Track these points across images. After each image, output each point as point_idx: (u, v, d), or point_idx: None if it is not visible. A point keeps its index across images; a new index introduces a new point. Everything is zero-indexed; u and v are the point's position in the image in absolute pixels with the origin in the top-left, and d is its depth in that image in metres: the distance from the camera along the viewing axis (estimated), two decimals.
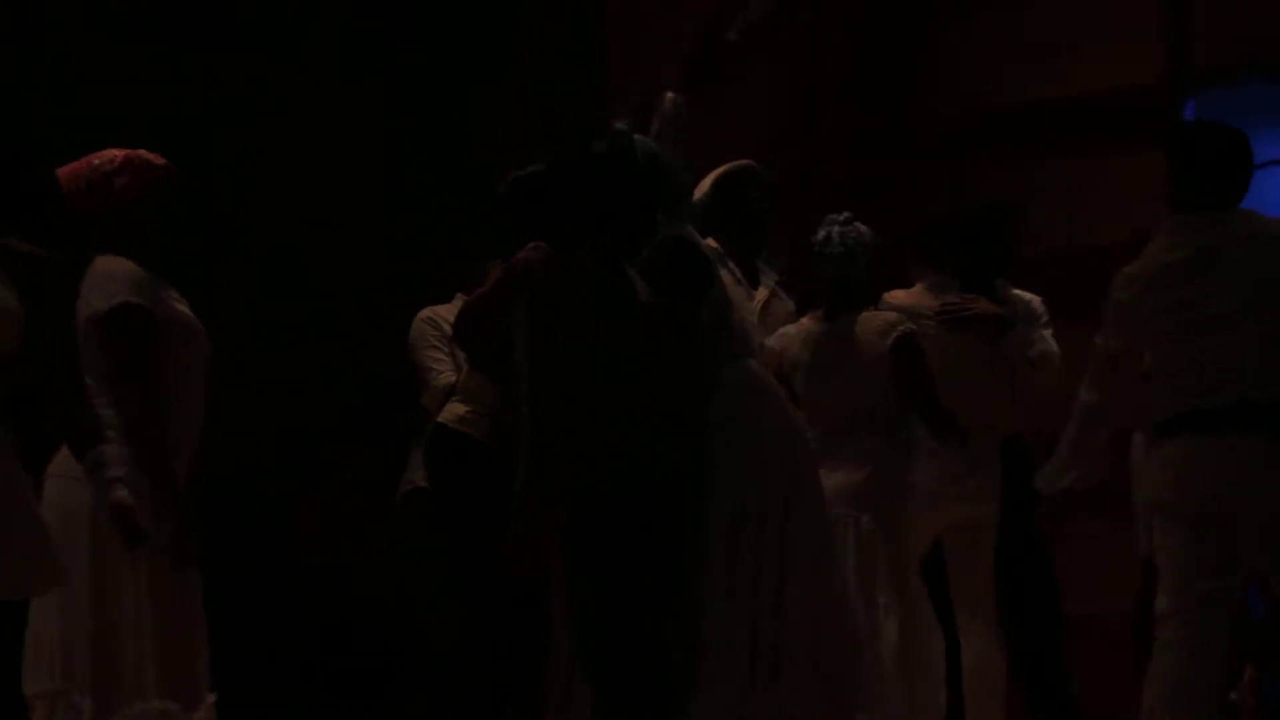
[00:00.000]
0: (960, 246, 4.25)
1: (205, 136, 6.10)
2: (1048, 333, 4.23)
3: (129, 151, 3.19)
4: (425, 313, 3.82)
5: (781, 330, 4.10)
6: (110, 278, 3.05)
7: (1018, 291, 4.32)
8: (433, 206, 6.15)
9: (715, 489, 3.32)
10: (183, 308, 3.25)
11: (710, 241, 3.57)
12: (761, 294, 3.88)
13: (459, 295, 3.78)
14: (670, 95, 3.68)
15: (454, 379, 3.59)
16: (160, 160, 3.24)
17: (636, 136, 3.37)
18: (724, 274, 3.53)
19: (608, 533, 3.10)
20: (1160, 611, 3.30)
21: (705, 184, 3.86)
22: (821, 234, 4.02)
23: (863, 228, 4.00)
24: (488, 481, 3.33)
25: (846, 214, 4.05)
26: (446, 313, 3.76)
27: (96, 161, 3.13)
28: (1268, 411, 3.22)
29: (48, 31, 6.17)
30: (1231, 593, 3.28)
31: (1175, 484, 3.30)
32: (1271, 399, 3.20)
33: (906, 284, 4.30)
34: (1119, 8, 5.88)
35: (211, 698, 3.26)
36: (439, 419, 3.58)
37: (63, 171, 3.06)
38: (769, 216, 3.95)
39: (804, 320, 4.14)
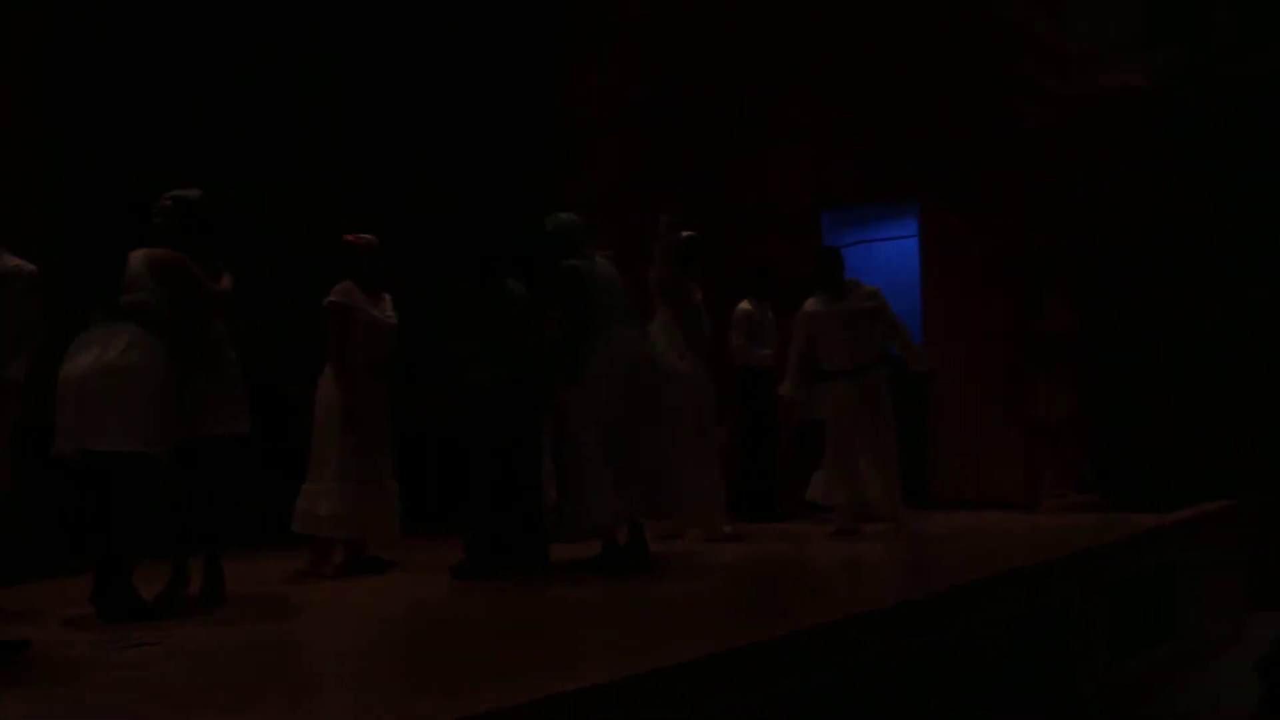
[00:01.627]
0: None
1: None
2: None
3: (354, 235, 6.03)
4: None
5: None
6: (335, 290, 5.95)
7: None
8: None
9: (604, 380, 5.66)
10: (376, 311, 5.95)
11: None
12: (698, 291, 6.87)
13: None
14: (665, 218, 6.38)
15: None
16: (359, 239, 6.00)
17: (558, 216, 6.00)
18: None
19: (488, 407, 5.65)
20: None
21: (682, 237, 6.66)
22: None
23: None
24: None
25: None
26: None
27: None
28: (861, 369, 7.15)
29: None
30: None
31: (829, 396, 7.17)
32: (863, 364, 7.10)
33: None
34: (788, 173, 9.68)
35: (394, 486, 6.03)
36: None
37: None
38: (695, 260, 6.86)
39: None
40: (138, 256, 4.92)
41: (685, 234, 6.67)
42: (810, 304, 7.24)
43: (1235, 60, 10.02)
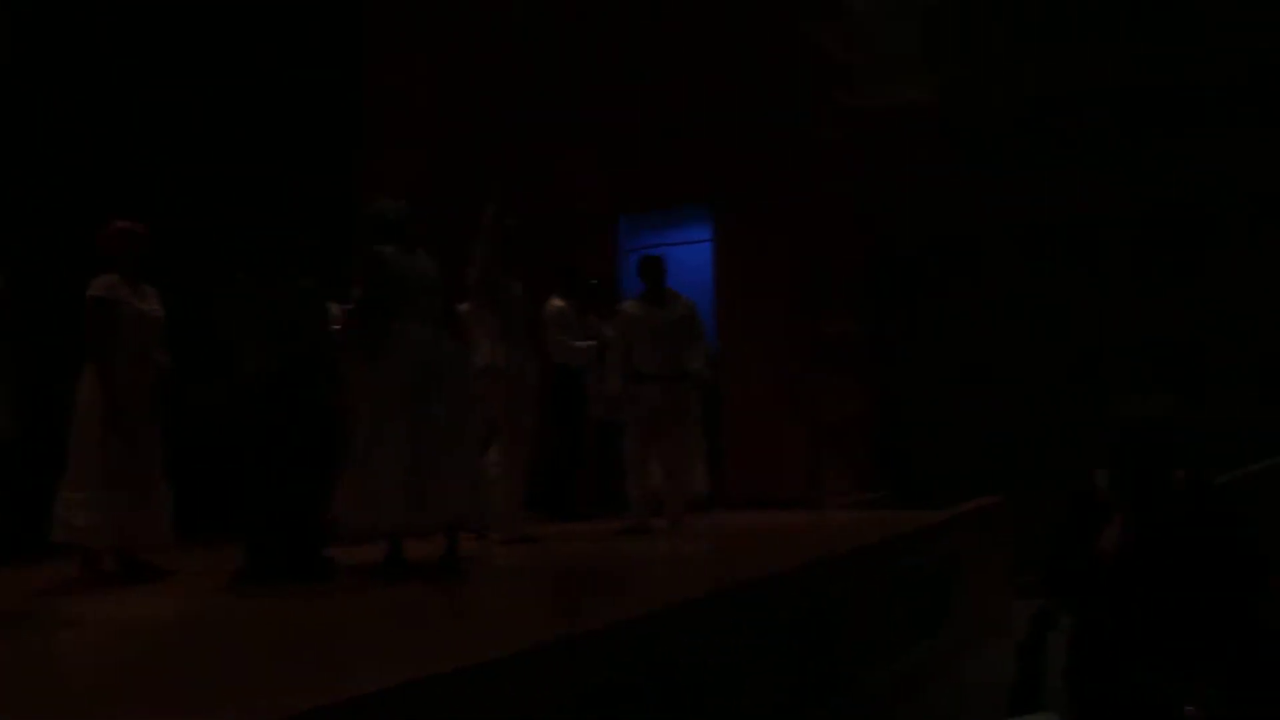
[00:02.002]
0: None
1: None
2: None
3: (119, 222, 5.73)
4: None
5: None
6: (96, 284, 5.61)
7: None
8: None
9: (390, 379, 5.37)
10: (141, 304, 5.66)
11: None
12: (519, 283, 6.76)
13: None
14: (491, 209, 6.38)
15: None
16: (123, 227, 5.69)
17: (376, 201, 5.73)
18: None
19: (262, 403, 5.30)
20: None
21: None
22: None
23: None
24: None
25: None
26: None
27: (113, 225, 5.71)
28: (671, 375, 7.26)
29: None
30: None
31: (638, 396, 7.29)
32: (683, 369, 7.28)
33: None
34: (585, 177, 9.94)
35: (165, 488, 5.75)
36: None
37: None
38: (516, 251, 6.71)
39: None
40: None
41: (506, 224, 6.67)
42: (630, 306, 7.41)
43: (1009, 78, 10.62)
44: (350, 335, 5.63)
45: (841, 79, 10.30)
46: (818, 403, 9.08)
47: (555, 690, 3.64)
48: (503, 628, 4.47)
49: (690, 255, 9.85)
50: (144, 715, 3.16)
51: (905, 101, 10.63)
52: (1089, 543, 4.31)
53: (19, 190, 7.06)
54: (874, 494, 9.57)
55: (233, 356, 5.58)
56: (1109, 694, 4.27)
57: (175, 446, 5.96)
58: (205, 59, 8.44)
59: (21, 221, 6.92)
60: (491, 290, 6.58)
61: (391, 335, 5.50)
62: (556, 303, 8.11)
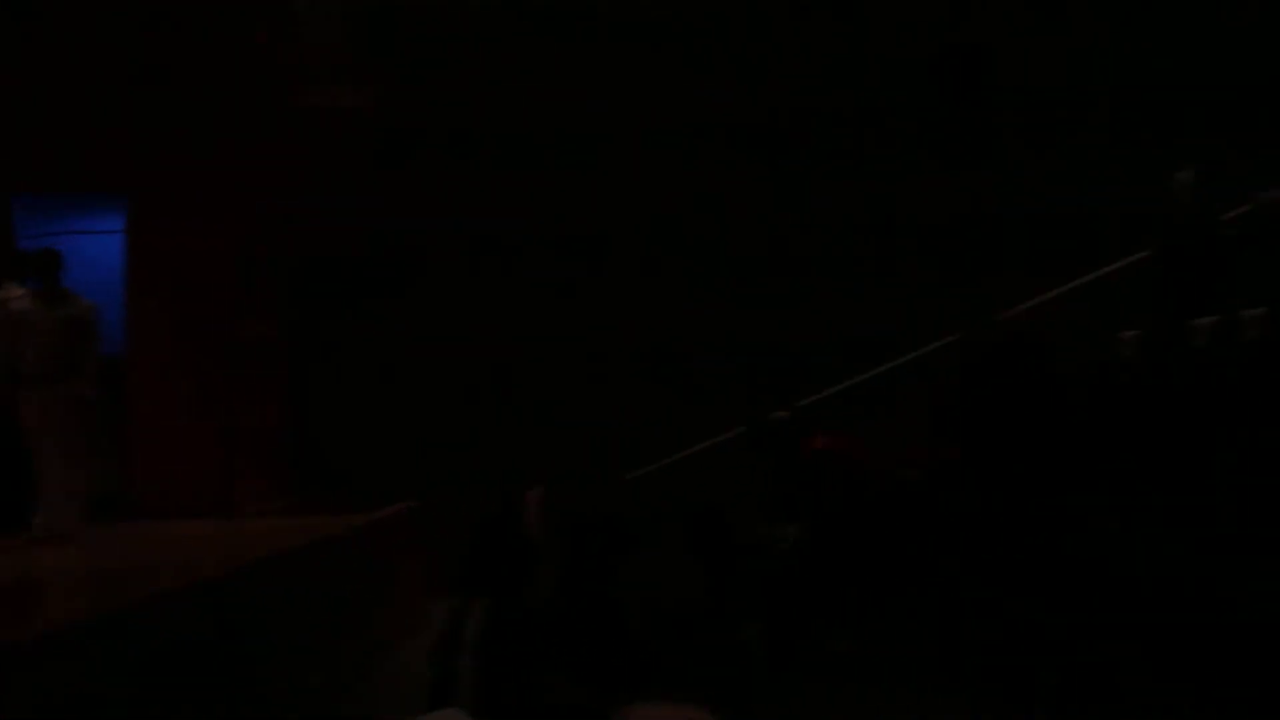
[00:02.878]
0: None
1: None
2: None
3: None
4: None
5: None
6: None
7: None
8: None
9: None
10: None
11: None
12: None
13: None
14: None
15: None
16: None
17: None
18: None
19: None
20: None
21: None
22: None
23: None
24: None
25: None
26: None
27: None
28: (58, 377, 6.77)
29: None
30: None
31: (21, 399, 6.72)
32: (62, 372, 6.75)
33: None
34: None
35: None
36: None
37: None
38: None
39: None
40: None
41: None
42: (20, 302, 6.94)
43: (447, 88, 10.96)
44: None
45: (278, 77, 10.06)
46: (232, 407, 8.77)
47: None
48: None
49: (98, 246, 9.13)
50: None
51: (343, 105, 10.60)
52: (503, 552, 4.57)
53: None
54: (291, 501, 9.42)
55: None
56: (515, 692, 4.53)
57: None
58: None
59: None
60: None
61: None
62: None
